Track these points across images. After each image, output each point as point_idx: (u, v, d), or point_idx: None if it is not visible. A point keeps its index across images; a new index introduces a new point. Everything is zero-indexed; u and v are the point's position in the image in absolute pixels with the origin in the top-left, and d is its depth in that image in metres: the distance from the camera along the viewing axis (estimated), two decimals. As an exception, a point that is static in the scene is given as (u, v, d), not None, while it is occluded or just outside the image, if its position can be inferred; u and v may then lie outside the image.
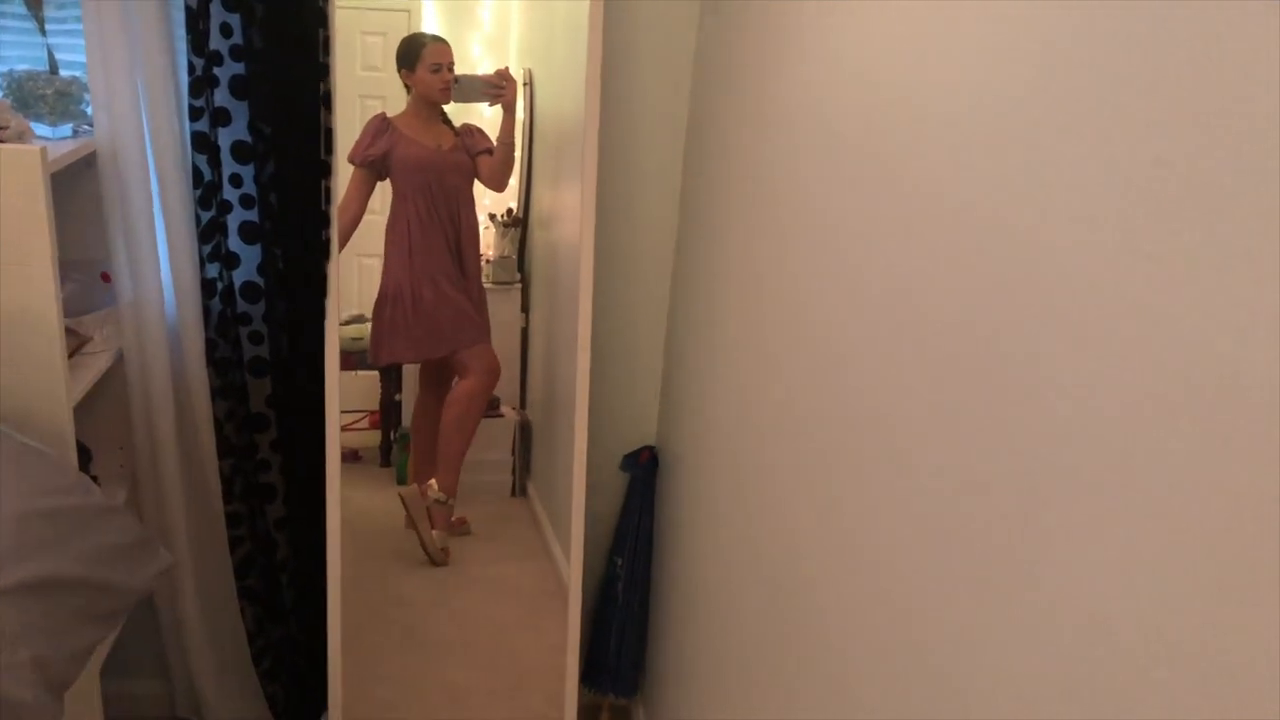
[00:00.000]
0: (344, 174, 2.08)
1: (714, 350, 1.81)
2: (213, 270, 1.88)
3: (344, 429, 3.24)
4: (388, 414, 3.11)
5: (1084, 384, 0.70)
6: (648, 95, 2.10)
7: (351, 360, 2.77)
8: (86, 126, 1.82)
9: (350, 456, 3.23)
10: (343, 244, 2.65)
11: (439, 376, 2.82)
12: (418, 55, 2.52)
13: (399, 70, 2.57)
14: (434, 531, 2.67)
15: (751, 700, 1.50)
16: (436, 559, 2.64)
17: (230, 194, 1.86)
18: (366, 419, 3.34)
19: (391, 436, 3.13)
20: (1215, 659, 0.56)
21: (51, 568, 1.40)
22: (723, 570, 1.71)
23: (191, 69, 1.76)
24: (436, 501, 2.83)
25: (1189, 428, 0.59)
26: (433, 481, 2.82)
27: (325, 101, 1.81)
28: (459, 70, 2.55)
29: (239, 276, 1.91)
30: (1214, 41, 0.58)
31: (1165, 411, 0.61)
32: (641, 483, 2.25)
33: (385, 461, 3.21)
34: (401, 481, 2.96)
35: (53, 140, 1.74)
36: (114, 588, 1.53)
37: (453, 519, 2.71)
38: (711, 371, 1.83)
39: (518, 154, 2.75)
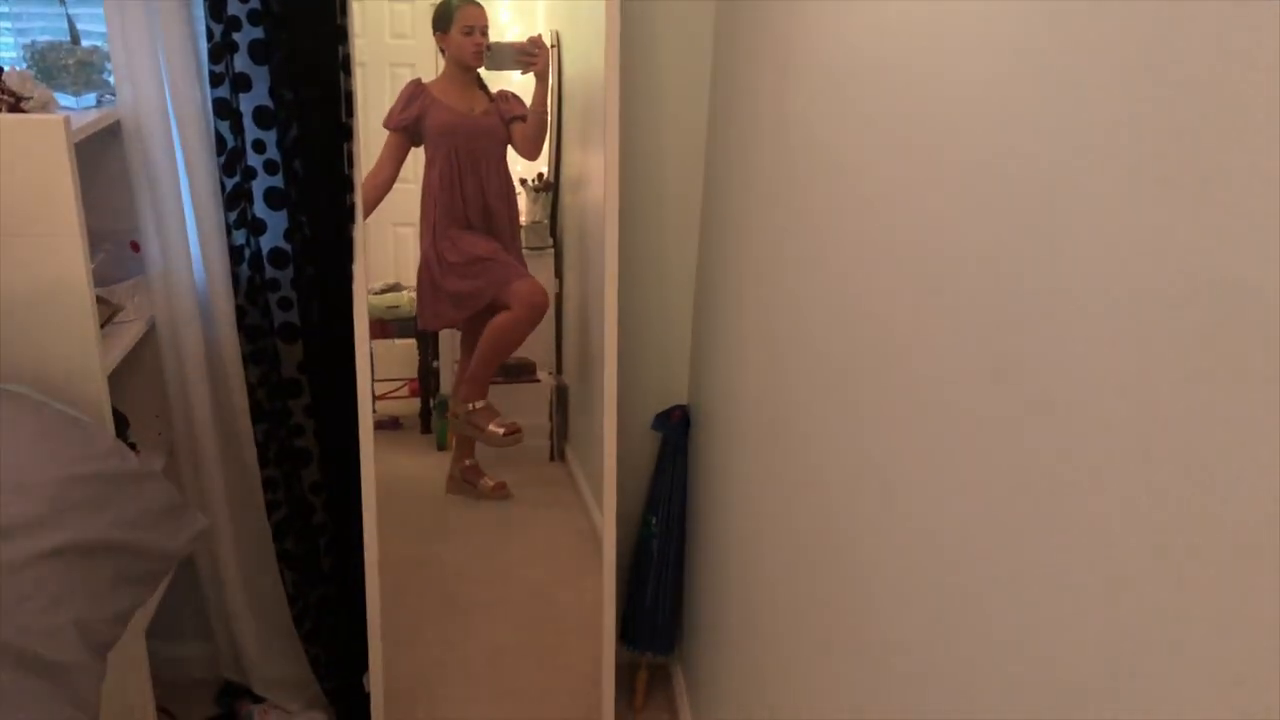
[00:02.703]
0: (370, 140, 2.07)
1: (743, 306, 1.79)
2: (240, 237, 1.89)
3: (383, 397, 3.28)
4: (426, 381, 3.13)
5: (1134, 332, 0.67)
6: (671, 52, 2.07)
7: (388, 329, 2.78)
8: (110, 96, 1.82)
9: (390, 424, 3.26)
10: (371, 208, 2.65)
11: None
12: (451, 17, 2.50)
13: (434, 33, 2.55)
14: (490, 429, 2.68)
15: (785, 656, 1.50)
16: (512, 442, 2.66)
17: (254, 160, 1.86)
18: (406, 387, 3.36)
19: (430, 403, 3.15)
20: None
21: (90, 532, 1.42)
22: (756, 526, 1.70)
23: (210, 35, 1.76)
24: (473, 410, 2.83)
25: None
26: (470, 403, 2.82)
27: (345, 65, 1.81)
28: (490, 36, 2.54)
29: (266, 243, 1.92)
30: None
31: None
32: (674, 442, 2.24)
33: (426, 428, 3.24)
34: (442, 447, 2.98)
35: (76, 110, 1.75)
36: (151, 551, 1.55)
37: (493, 484, 2.73)
38: (741, 328, 1.81)
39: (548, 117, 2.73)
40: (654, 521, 2.26)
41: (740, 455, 1.79)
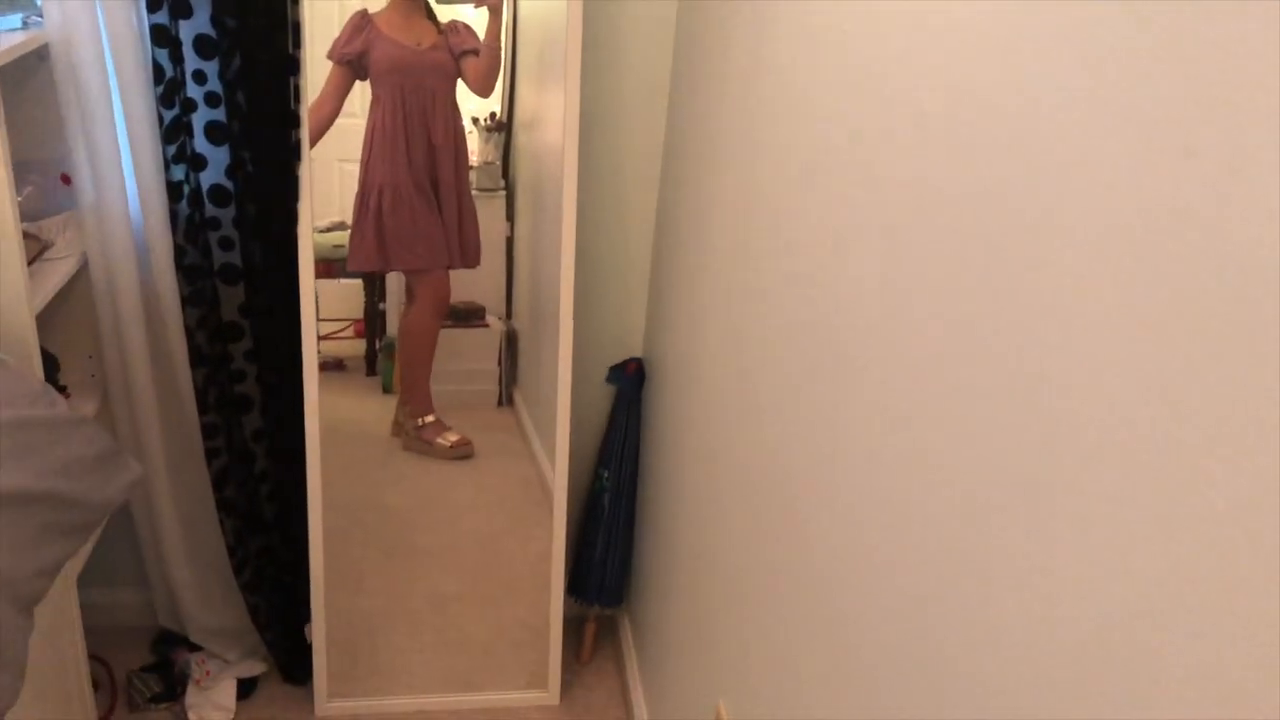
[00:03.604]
0: (316, 73, 1.98)
1: (702, 260, 1.74)
2: (178, 172, 1.80)
3: (327, 338, 3.20)
4: (371, 322, 3.05)
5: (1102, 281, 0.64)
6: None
7: (333, 269, 2.70)
8: (36, 17, 1.71)
9: (335, 365, 3.19)
10: (313, 144, 2.55)
11: (432, 285, 2.76)
12: None
13: None
14: (437, 441, 2.66)
15: (734, 612, 1.48)
16: (460, 454, 2.63)
17: (194, 91, 1.76)
18: (351, 328, 3.28)
19: (376, 345, 3.08)
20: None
21: (15, 481, 1.35)
22: (708, 483, 1.68)
23: (147, -45, 1.65)
24: (422, 426, 2.80)
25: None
26: (417, 419, 2.79)
27: (292, -8, 1.71)
28: None
29: (206, 179, 1.83)
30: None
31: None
32: (628, 395, 2.20)
33: (371, 370, 3.17)
34: (387, 390, 2.92)
35: None
36: (82, 501, 1.48)
37: (455, 439, 2.68)
38: (699, 282, 1.77)
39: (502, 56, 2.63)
40: (605, 476, 2.23)
41: (696, 412, 1.76)
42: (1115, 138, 0.62)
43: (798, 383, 1.25)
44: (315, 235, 2.72)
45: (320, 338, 3.16)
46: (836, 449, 1.11)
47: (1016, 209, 0.75)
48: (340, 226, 2.68)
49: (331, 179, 2.62)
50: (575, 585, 2.30)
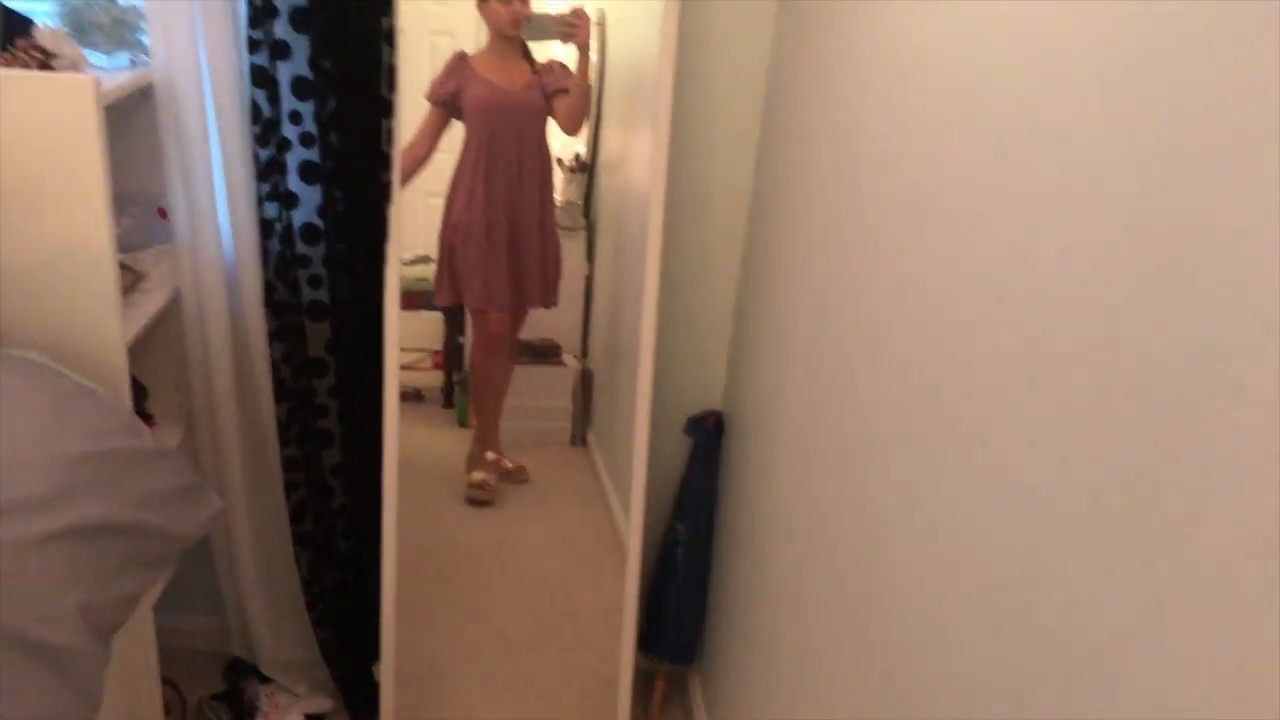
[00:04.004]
0: (405, 111, 2.00)
1: (790, 313, 1.70)
2: (271, 210, 1.82)
3: (406, 368, 3.23)
4: (450, 356, 3.07)
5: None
6: (728, 38, 1.98)
7: (416, 300, 2.73)
8: (143, 57, 1.76)
9: (413, 396, 3.21)
10: (405, 182, 2.58)
11: (498, 327, 2.77)
12: None
13: (477, 3, 2.46)
14: (471, 474, 2.66)
15: (816, 680, 1.42)
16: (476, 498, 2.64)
17: (290, 131, 1.79)
18: (430, 359, 3.31)
19: (454, 378, 3.10)
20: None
21: (100, 512, 1.37)
22: (790, 545, 1.62)
23: (251, -1, 1.69)
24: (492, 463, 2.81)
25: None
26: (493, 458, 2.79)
27: (388, 37, 1.73)
28: (534, 9, 2.45)
29: (298, 217, 1.85)
30: None
31: None
32: (706, 448, 2.16)
33: (448, 403, 3.18)
34: (463, 423, 2.93)
35: (108, 70, 1.69)
36: (163, 533, 1.50)
37: (512, 466, 2.66)
38: (786, 335, 1.73)
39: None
40: (681, 529, 2.18)
41: (780, 471, 1.71)
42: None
43: (889, 448, 1.20)
44: (400, 268, 2.76)
45: (400, 368, 3.21)
46: (928, 513, 1.06)
47: (1137, 279, 0.70)
48: (424, 260, 2.71)
49: (418, 213, 2.66)
50: (646, 639, 2.25)
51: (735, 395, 2.13)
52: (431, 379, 3.26)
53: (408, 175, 2.58)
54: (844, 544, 1.34)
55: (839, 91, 1.50)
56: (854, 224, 1.38)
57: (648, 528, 2.24)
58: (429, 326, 2.95)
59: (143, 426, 1.54)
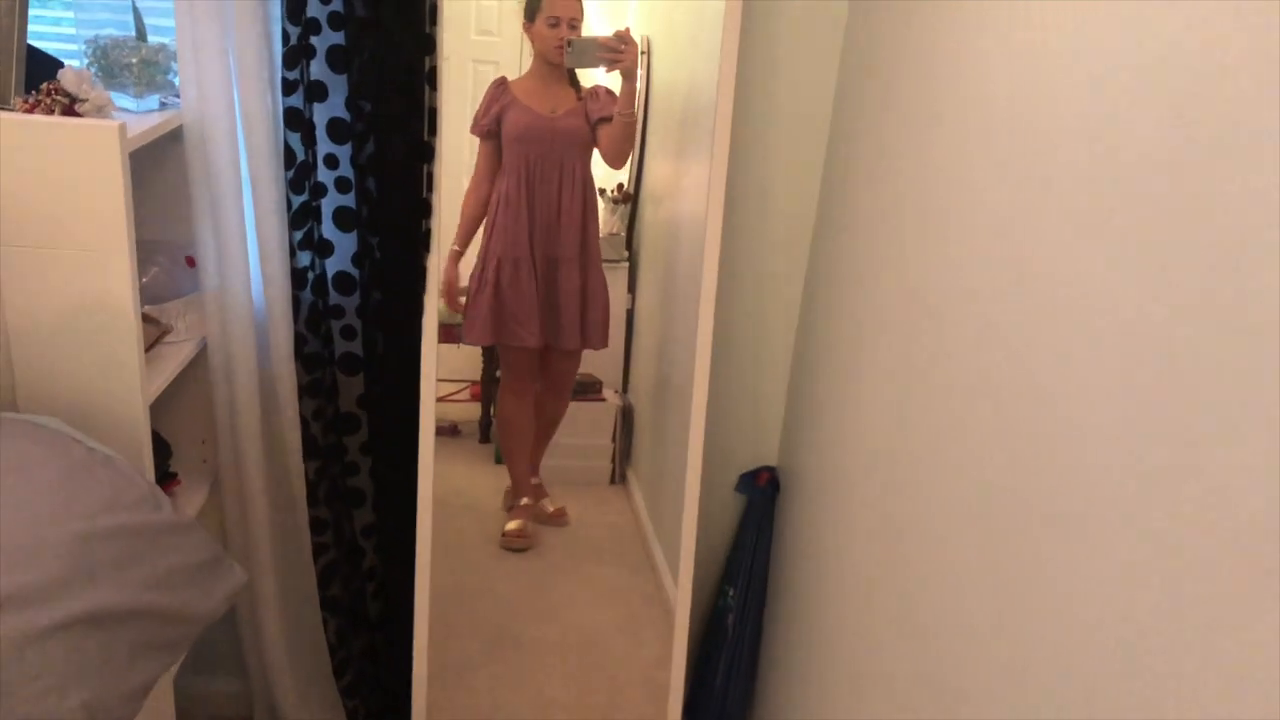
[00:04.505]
0: (449, 146, 1.90)
1: (856, 363, 1.58)
2: (304, 259, 1.72)
3: (442, 400, 3.12)
4: (488, 388, 2.96)
5: None
6: (788, 69, 1.85)
7: (453, 334, 2.63)
8: (174, 98, 1.67)
9: (449, 430, 3.10)
10: (474, 228, 2.48)
11: (526, 367, 2.64)
12: (538, 6, 2.29)
13: (523, 22, 2.35)
14: (542, 500, 2.59)
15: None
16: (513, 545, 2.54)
17: (325, 176, 1.69)
18: (467, 390, 3.21)
19: (491, 412, 2.99)
20: None
21: (111, 597, 1.26)
22: (856, 616, 1.50)
23: (286, 38, 1.59)
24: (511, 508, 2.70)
25: None
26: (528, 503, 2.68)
27: (430, 78, 1.63)
28: (581, 34, 2.33)
29: (332, 266, 1.75)
30: None
31: None
32: (759, 507, 2.03)
33: (484, 437, 3.07)
34: (499, 460, 2.82)
35: (136, 114, 1.59)
36: (181, 614, 1.39)
37: (552, 509, 2.55)
38: (851, 388, 1.60)
39: (632, 126, 2.52)
40: (731, 593, 2.05)
41: (843, 534, 1.58)
42: None
43: (980, 507, 1.08)
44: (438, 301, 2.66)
45: (436, 399, 3.10)
46: (1030, 586, 0.97)
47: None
48: (463, 292, 2.60)
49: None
50: (692, 710, 2.12)
51: (792, 450, 1.99)
52: (469, 411, 3.15)
53: (474, 222, 2.47)
54: (925, 623, 1.22)
55: (918, 127, 1.38)
56: (942, 270, 1.25)
57: (694, 589, 2.11)
58: (467, 356, 2.84)
59: (163, 497, 1.44)
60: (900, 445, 1.37)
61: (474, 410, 3.12)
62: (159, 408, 1.67)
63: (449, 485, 2.77)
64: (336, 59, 1.62)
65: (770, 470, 2.06)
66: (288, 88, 1.62)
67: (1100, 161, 0.88)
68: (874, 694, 1.39)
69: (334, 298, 1.76)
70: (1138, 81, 0.83)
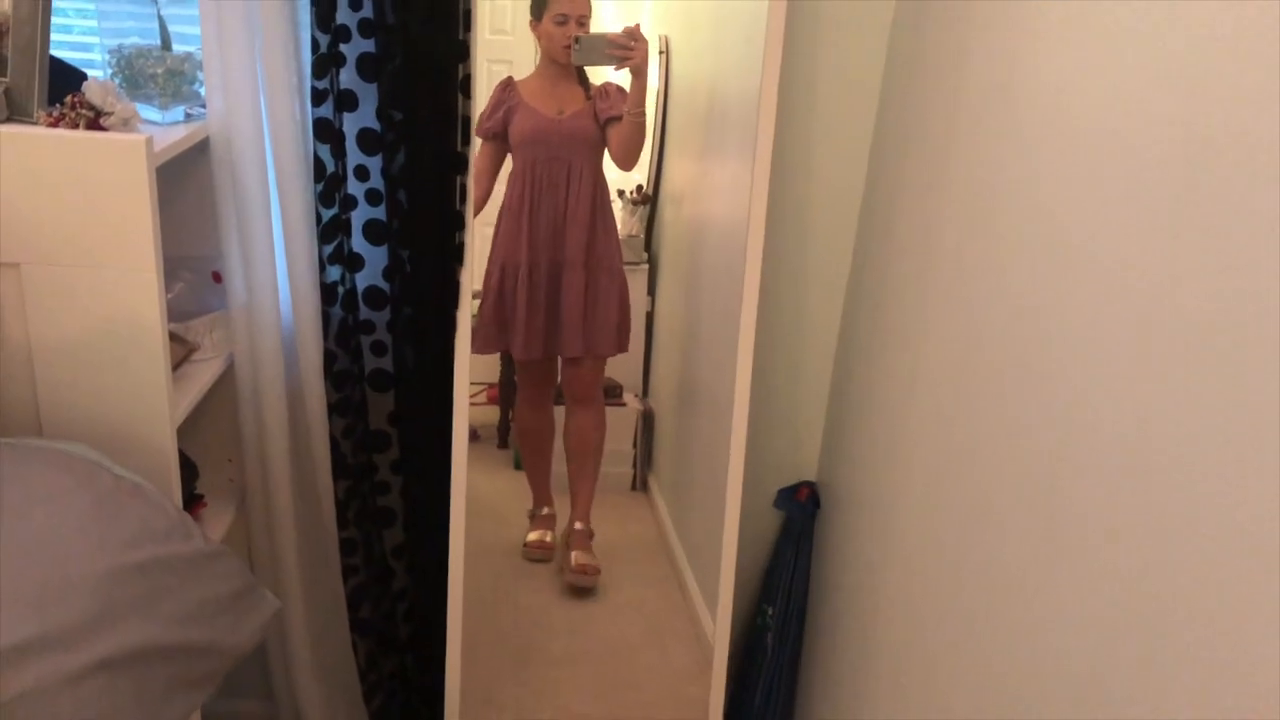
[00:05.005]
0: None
1: (904, 373, 1.52)
2: (334, 273, 1.67)
3: (459, 403, 3.07)
4: (507, 392, 2.91)
5: None
6: (832, 68, 1.78)
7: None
8: (200, 108, 1.61)
9: (469, 435, 3.05)
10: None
11: (536, 377, 2.57)
12: (545, 4, 2.22)
13: (530, 20, 2.28)
14: (573, 552, 2.44)
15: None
16: (579, 583, 2.42)
17: (355, 188, 1.64)
18: (485, 393, 3.16)
19: (510, 416, 2.94)
20: None
21: (144, 635, 1.21)
22: (900, 636, 1.44)
23: (315, 46, 1.54)
24: (533, 518, 2.63)
25: None
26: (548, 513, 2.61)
27: (464, 87, 1.57)
28: (591, 31, 2.25)
29: (362, 280, 1.70)
30: None
31: None
32: (798, 523, 1.97)
33: (503, 442, 3.02)
34: (519, 466, 2.76)
35: (162, 126, 1.54)
36: (214, 647, 1.34)
37: (582, 564, 2.44)
38: (896, 400, 1.55)
39: (650, 125, 2.45)
40: (769, 612, 1.99)
41: (890, 551, 1.53)
42: None
43: (1043, 520, 1.03)
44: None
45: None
46: (1078, 609, 0.94)
47: None
48: (477, 294, 2.54)
49: (474, 246, 2.49)
50: (729, 731, 2.07)
51: (833, 465, 1.94)
52: (487, 415, 3.10)
53: (474, 213, 2.41)
54: (975, 641, 1.17)
55: (970, 126, 1.32)
56: (995, 277, 1.20)
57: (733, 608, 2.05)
58: (484, 358, 2.78)
59: (192, 525, 1.39)
60: (948, 459, 1.32)
61: (492, 414, 3.07)
62: (185, 427, 1.62)
63: (469, 493, 2.73)
64: (367, 67, 1.57)
65: (810, 485, 2.00)
66: (317, 97, 1.56)
67: (1169, 160, 0.84)
68: (920, 717, 1.33)
69: (364, 313, 1.71)
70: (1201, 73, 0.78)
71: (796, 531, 1.97)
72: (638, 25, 2.08)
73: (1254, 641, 0.68)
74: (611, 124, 2.27)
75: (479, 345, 2.46)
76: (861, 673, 1.63)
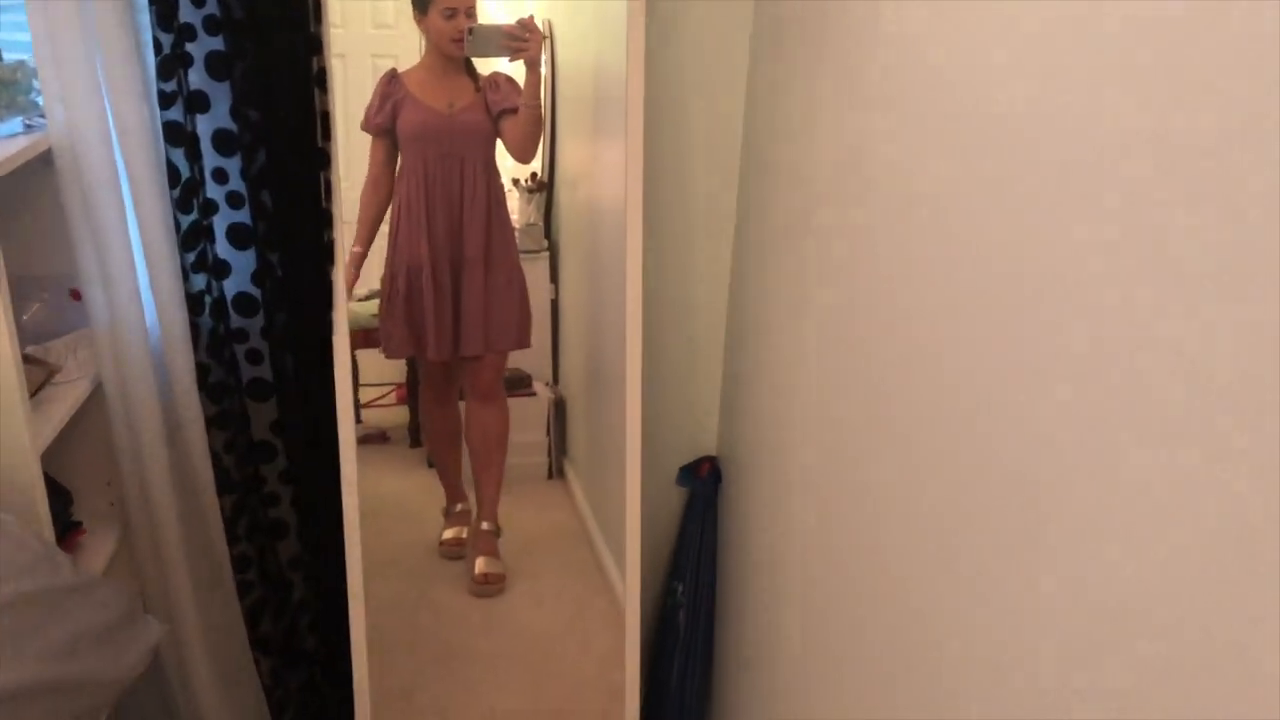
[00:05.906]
0: (351, 145, 1.78)
1: (792, 347, 1.52)
2: (199, 282, 1.61)
3: (368, 406, 3.02)
4: (414, 392, 2.86)
5: None
6: (700, 44, 1.77)
7: (373, 338, 2.52)
8: (39, 119, 1.53)
9: (378, 438, 3.00)
10: (374, 228, 2.37)
11: (441, 376, 2.54)
12: None
13: (414, 14, 2.22)
14: (477, 559, 2.41)
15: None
16: (481, 592, 2.39)
17: (214, 192, 1.58)
18: (393, 394, 3.10)
19: (419, 415, 2.89)
20: None
21: (12, 676, 1.15)
22: (803, 606, 1.46)
23: (158, 47, 1.47)
24: (447, 515, 2.59)
25: None
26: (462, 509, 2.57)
27: (319, 80, 1.52)
28: (480, 22, 2.21)
29: (230, 287, 1.64)
30: None
31: None
32: (702, 499, 1.97)
33: (415, 442, 2.98)
34: (432, 464, 2.73)
35: (-2, 139, 1.46)
36: (92, 680, 1.28)
37: (479, 572, 2.41)
38: (788, 371, 1.55)
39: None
40: (680, 590, 1.99)
41: (791, 516, 1.54)
42: None
43: (922, 485, 1.05)
44: (353, 305, 2.52)
45: (361, 406, 2.99)
46: (975, 555, 0.95)
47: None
48: (378, 294, 2.49)
49: (373, 247, 2.43)
50: (649, 713, 2.06)
51: (732, 438, 1.94)
52: (398, 415, 3.05)
53: (373, 222, 2.36)
54: (872, 594, 1.19)
55: (837, 90, 1.32)
56: (877, 241, 1.20)
57: (642, 587, 2.05)
58: (390, 360, 2.73)
59: (61, 556, 1.33)
60: (834, 428, 1.33)
61: (402, 414, 3.02)
62: (55, 453, 1.55)
63: (380, 495, 2.68)
64: (217, 66, 1.51)
65: (711, 460, 2.00)
66: (165, 100, 1.50)
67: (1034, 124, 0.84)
68: (827, 685, 1.35)
69: (235, 321, 1.65)
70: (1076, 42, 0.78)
71: (700, 508, 1.97)
72: (531, 16, 2.04)
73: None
74: (505, 116, 2.23)
75: (392, 350, 2.41)
76: (770, 646, 1.64)
